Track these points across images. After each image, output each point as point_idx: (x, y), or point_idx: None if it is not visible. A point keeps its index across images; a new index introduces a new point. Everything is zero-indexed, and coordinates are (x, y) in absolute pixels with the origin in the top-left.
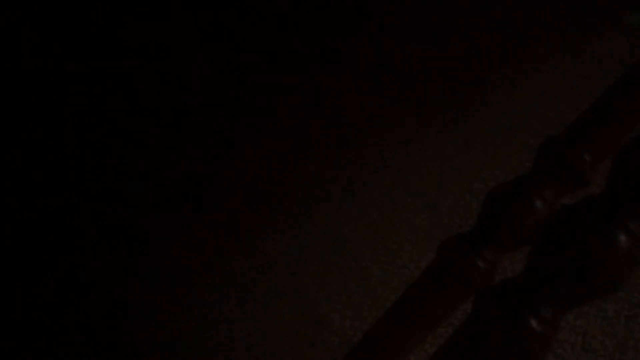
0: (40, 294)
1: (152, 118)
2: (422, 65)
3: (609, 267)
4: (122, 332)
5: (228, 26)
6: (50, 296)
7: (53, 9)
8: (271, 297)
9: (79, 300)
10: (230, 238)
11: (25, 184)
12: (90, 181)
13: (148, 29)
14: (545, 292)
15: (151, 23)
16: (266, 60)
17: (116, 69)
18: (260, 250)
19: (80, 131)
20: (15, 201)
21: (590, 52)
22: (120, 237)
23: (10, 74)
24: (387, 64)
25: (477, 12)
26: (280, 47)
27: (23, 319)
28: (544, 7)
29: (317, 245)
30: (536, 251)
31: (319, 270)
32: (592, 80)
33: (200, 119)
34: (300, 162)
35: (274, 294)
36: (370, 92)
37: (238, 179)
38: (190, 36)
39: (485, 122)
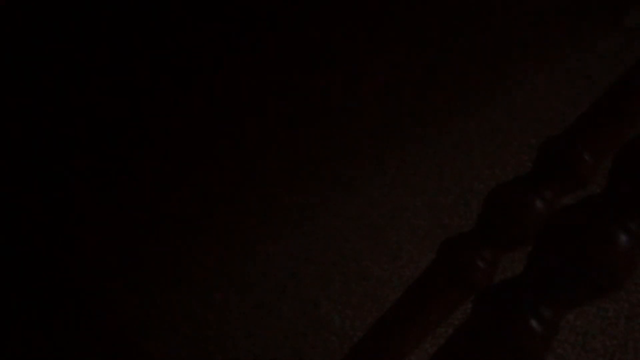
0: (39, 293)
1: (150, 117)
2: (421, 65)
3: (609, 267)
4: (121, 332)
5: (229, 24)
6: (50, 295)
7: (53, 9)
8: (271, 297)
9: (78, 299)
10: (230, 238)
11: (24, 180)
12: (89, 179)
13: (147, 28)
14: (545, 292)
15: (151, 22)
16: (265, 61)
17: (116, 68)
18: (260, 250)
19: (81, 129)
20: (13, 197)
21: (590, 52)
22: (120, 236)
23: (11, 73)
24: (386, 64)
25: (476, 12)
26: (280, 48)
27: (22, 318)
28: (543, 7)
29: (317, 245)
30: (536, 251)
31: (319, 270)
32: (592, 80)
33: (199, 118)
34: (300, 162)
35: (274, 294)
36: (370, 93)
37: (238, 179)
38: (190, 36)
39: (485, 122)
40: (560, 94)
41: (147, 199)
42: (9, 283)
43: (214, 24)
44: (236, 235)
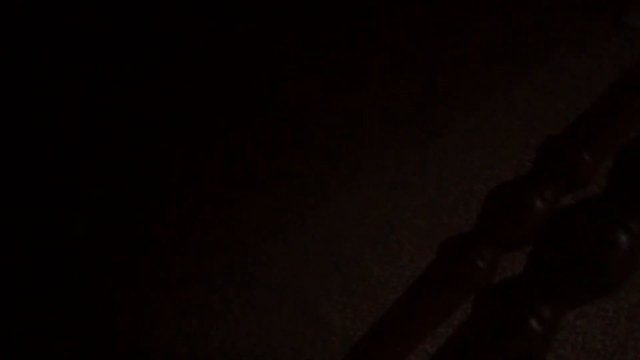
0: (38, 293)
1: (151, 116)
2: (422, 65)
3: (609, 267)
4: (121, 332)
5: (230, 25)
6: (49, 295)
7: (53, 9)
8: (271, 297)
9: (77, 300)
10: (230, 238)
11: (24, 180)
12: (89, 180)
13: (149, 27)
14: (545, 292)
15: (153, 21)
16: (266, 60)
17: (117, 69)
18: (260, 250)
19: (82, 129)
20: (14, 198)
21: (590, 52)
22: (120, 236)
23: (12, 73)
24: (387, 63)
25: (477, 12)
26: (281, 47)
27: (22, 318)
28: (544, 7)
29: (317, 245)
30: (536, 251)
31: (319, 270)
32: (592, 80)
33: (200, 117)
34: (300, 162)
35: (274, 294)
36: (371, 92)
37: (238, 179)
38: (192, 36)
39: (485, 122)
40: (560, 94)
41: (147, 200)
42: (9, 283)
43: (214, 24)
44: (237, 235)
